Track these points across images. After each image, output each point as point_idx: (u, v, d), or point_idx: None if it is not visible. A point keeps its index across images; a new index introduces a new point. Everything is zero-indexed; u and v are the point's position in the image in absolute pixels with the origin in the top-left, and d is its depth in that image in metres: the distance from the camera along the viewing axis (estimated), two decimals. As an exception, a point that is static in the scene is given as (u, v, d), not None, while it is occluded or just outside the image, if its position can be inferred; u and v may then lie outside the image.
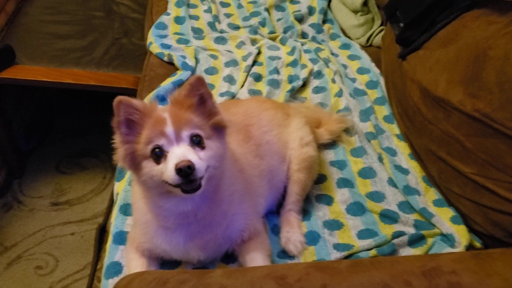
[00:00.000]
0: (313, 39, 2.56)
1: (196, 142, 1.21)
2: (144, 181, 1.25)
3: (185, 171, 1.13)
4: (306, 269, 1.02)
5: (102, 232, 2.47)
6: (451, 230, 1.50)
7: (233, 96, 2.12)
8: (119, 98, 1.19)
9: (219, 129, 1.28)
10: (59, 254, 2.39)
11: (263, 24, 2.66)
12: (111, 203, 2.54)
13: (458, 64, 1.57)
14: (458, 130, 1.51)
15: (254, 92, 2.15)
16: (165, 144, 1.19)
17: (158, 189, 1.24)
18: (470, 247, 1.47)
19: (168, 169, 1.16)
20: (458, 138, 1.51)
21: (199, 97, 1.25)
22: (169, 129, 1.19)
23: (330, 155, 1.86)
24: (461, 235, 1.48)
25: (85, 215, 2.58)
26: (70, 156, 2.93)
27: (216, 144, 1.25)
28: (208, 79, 2.24)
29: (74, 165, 2.87)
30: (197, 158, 1.17)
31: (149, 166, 1.21)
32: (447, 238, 1.50)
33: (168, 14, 2.65)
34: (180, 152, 1.16)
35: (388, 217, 1.59)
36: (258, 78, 2.24)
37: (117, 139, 1.25)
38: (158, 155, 1.19)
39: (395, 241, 1.48)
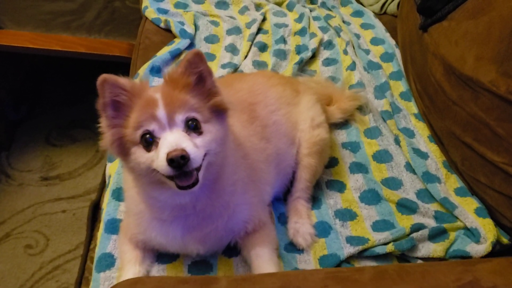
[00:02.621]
0: (323, 5, 2.39)
1: (192, 127, 1.06)
2: (132, 168, 1.11)
3: (178, 162, 0.99)
4: (324, 281, 0.89)
5: (95, 209, 2.36)
6: (476, 224, 1.37)
7: (235, 68, 1.96)
8: (103, 77, 1.04)
9: (219, 112, 1.13)
10: (50, 233, 2.27)
11: (268, -13, 2.47)
12: (105, 179, 2.42)
13: (490, 39, 1.40)
14: (488, 114, 1.36)
15: (258, 64, 1.99)
16: (156, 129, 1.05)
17: (148, 178, 1.10)
18: (496, 243, 1.33)
19: (159, 159, 1.02)
20: (488, 123, 1.36)
21: (198, 75, 1.10)
22: (161, 112, 1.04)
23: (342, 136, 1.72)
24: (487, 229, 1.35)
25: (77, 191, 2.44)
26: (61, 127, 2.78)
27: (216, 127, 1.11)
28: (208, 48, 2.09)
29: (65, 137, 2.73)
30: (192, 146, 1.02)
31: (138, 153, 1.07)
32: (471, 233, 1.38)
33: (165, -25, 2.45)
34: (172, 140, 1.02)
35: (405, 207, 1.46)
36: (263, 48, 2.08)
37: (103, 123, 1.10)
38: (149, 141, 1.05)
39: (414, 235, 1.35)
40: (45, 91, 3.01)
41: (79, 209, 2.35)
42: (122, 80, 1.07)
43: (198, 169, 1.05)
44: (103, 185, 2.45)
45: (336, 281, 0.88)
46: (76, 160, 2.60)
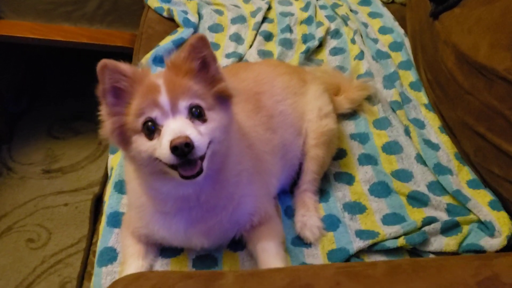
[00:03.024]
0: (329, -7, 2.32)
1: (196, 114, 1.03)
2: (133, 158, 1.07)
3: (182, 150, 0.96)
4: (336, 276, 0.84)
5: (97, 203, 2.32)
6: (490, 217, 1.33)
7: (240, 57, 1.92)
8: (103, 62, 1.00)
9: (223, 99, 1.09)
10: (52, 226, 2.24)
11: (273, -25, 2.41)
12: (107, 171, 2.39)
13: (504, 25, 1.36)
14: (502, 103, 1.31)
15: (264, 53, 1.95)
16: (159, 116, 1.01)
17: (149, 168, 1.06)
18: (512, 237, 1.29)
19: (162, 147, 0.98)
20: (503, 112, 1.31)
21: (201, 60, 1.06)
22: (164, 98, 1.01)
23: (350, 126, 1.67)
24: (502, 223, 1.31)
25: (79, 184, 2.41)
26: (63, 120, 2.74)
27: (220, 115, 1.07)
28: (212, 37, 2.05)
29: (67, 129, 2.69)
30: (196, 133, 0.98)
31: (139, 141, 1.03)
32: (485, 226, 1.33)
33: (168, -37, 2.40)
34: (176, 127, 0.99)
35: (416, 199, 1.42)
36: (268, 37, 2.04)
37: (103, 111, 1.07)
38: (151, 129, 1.01)
39: (426, 228, 1.31)
40: (46, 82, 2.97)
41: (82, 202, 2.32)
42: (123, 66, 1.03)
43: (202, 158, 1.01)
44: (105, 178, 2.41)
45: (348, 277, 0.84)
46: (78, 152, 2.57)
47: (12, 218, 2.27)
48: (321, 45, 2.00)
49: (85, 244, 2.17)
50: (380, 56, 1.90)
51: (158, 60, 1.84)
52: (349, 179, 1.50)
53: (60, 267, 2.09)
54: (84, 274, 2.09)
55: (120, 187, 1.45)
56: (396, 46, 1.97)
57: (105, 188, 1.61)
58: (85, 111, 2.73)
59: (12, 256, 2.13)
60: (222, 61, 1.88)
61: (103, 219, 1.40)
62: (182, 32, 1.97)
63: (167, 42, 1.92)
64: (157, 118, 1.01)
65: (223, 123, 1.07)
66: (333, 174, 1.52)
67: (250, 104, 1.37)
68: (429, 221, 1.33)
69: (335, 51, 1.97)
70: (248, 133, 1.30)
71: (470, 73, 1.43)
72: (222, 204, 1.19)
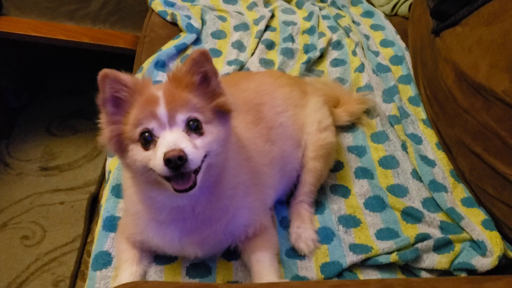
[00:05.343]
0: (333, 3, 2.35)
1: (193, 127, 1.04)
2: (128, 165, 1.08)
3: (175, 162, 0.96)
4: (328, 295, 0.85)
5: (93, 202, 2.33)
6: (483, 236, 1.34)
7: (242, 65, 1.92)
8: (104, 72, 1.02)
9: (222, 113, 1.10)
10: (47, 224, 2.24)
11: (277, -17, 2.42)
12: (104, 171, 2.39)
13: (504, 47, 1.36)
14: (500, 124, 1.32)
15: (265, 62, 1.95)
16: (156, 128, 1.02)
17: (144, 177, 1.07)
18: (503, 257, 1.30)
19: (156, 158, 0.99)
20: (499, 133, 1.32)
21: (202, 75, 1.07)
22: (162, 110, 1.02)
23: (348, 139, 1.68)
24: (494, 243, 1.32)
25: (76, 183, 2.41)
26: (62, 117, 2.74)
27: (218, 128, 1.08)
28: (214, 43, 2.05)
29: (66, 127, 2.69)
30: (191, 147, 0.99)
31: (135, 151, 1.04)
32: (477, 245, 1.34)
33: (173, -33, 2.40)
34: (171, 139, 0.99)
35: (411, 215, 1.43)
36: (270, 45, 2.04)
37: (102, 119, 1.08)
38: (147, 140, 1.02)
39: (419, 245, 1.32)
40: (47, 79, 2.97)
41: (78, 202, 2.32)
42: (124, 76, 1.04)
43: (197, 171, 1.02)
44: (102, 178, 2.42)
45: (340, 296, 0.85)
46: (76, 151, 2.57)
47: (7, 214, 2.27)
48: (322, 56, 2.00)
49: (80, 244, 2.17)
50: (380, 69, 1.90)
51: (160, 65, 1.85)
52: (345, 192, 1.51)
53: (54, 265, 2.10)
54: (78, 273, 2.10)
55: (117, 191, 1.45)
56: (396, 60, 1.98)
57: (101, 188, 1.61)
58: (84, 109, 2.74)
59: (6, 253, 2.12)
60: (224, 68, 1.88)
61: (99, 223, 1.40)
62: (185, 38, 1.98)
63: (169, 47, 1.92)
64: (154, 129, 1.02)
65: (220, 136, 1.07)
66: (329, 186, 1.53)
67: (250, 116, 1.38)
68: (422, 237, 1.34)
69: (336, 63, 1.97)
70: (247, 145, 1.31)
71: (469, 92, 1.44)
72: (217, 215, 1.19)
